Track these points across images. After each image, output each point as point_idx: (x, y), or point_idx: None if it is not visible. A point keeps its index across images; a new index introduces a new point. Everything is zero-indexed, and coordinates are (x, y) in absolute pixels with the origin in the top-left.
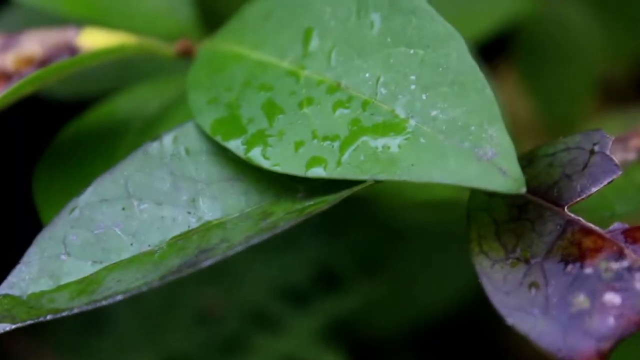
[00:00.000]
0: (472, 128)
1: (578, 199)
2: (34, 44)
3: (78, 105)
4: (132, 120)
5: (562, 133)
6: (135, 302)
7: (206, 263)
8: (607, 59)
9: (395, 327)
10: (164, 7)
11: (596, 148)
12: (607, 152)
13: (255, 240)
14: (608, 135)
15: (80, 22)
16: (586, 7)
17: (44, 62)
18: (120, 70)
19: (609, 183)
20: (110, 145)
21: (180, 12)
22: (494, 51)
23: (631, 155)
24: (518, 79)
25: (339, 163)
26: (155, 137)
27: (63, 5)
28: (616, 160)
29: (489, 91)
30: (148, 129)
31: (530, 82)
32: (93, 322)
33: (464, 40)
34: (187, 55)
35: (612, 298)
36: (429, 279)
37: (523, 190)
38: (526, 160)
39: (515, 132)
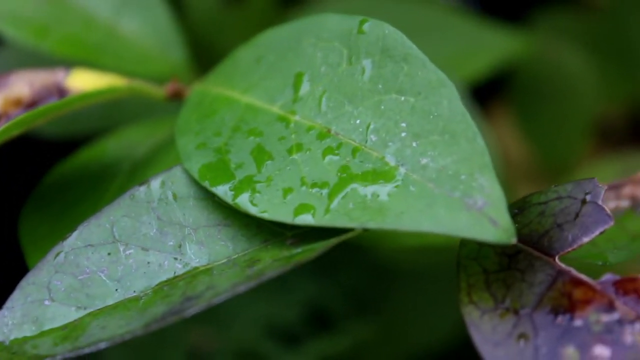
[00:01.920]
0: (463, 177)
1: (569, 249)
2: (22, 85)
3: (67, 145)
4: (121, 162)
5: (557, 175)
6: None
7: (191, 311)
8: (603, 101)
9: None
10: (155, 48)
11: (588, 197)
12: (599, 202)
13: (241, 288)
14: (600, 185)
15: (71, 63)
16: (581, 50)
17: (32, 103)
18: (111, 110)
19: (600, 233)
20: (98, 188)
21: (172, 53)
22: (488, 92)
23: (624, 203)
24: (513, 120)
25: (327, 210)
26: (143, 181)
27: (53, 46)
28: (608, 210)
29: (480, 140)
30: (137, 171)
31: (525, 124)
32: (82, 358)
33: (455, 88)
34: (177, 97)
35: (601, 351)
36: (420, 320)
37: (513, 240)
38: (517, 209)
39: (509, 173)
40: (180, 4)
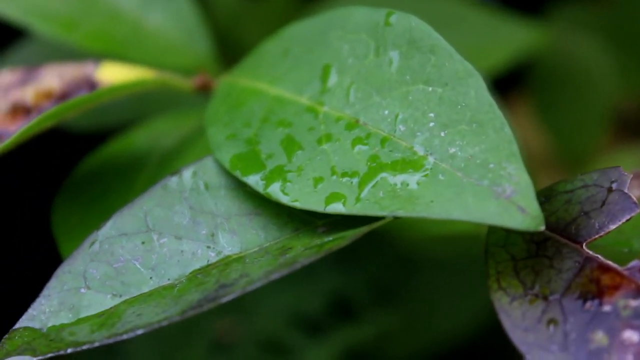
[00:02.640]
0: (491, 166)
1: (596, 236)
2: (53, 78)
3: (96, 136)
4: (150, 153)
5: (576, 165)
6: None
7: (226, 298)
8: (620, 92)
9: (411, 356)
10: (181, 41)
11: (614, 186)
12: (625, 190)
13: (275, 276)
14: (626, 173)
15: (98, 56)
16: (599, 42)
17: (63, 96)
18: (139, 103)
19: (627, 220)
20: (128, 178)
21: (198, 45)
22: (508, 84)
23: None
24: (532, 111)
25: (358, 199)
26: (175, 171)
27: (81, 39)
28: (634, 198)
29: (507, 129)
30: (166, 162)
31: (544, 115)
32: (109, 348)
33: (482, 78)
34: (205, 90)
35: (630, 335)
36: (443, 309)
37: (542, 228)
38: (544, 197)
39: (529, 163)
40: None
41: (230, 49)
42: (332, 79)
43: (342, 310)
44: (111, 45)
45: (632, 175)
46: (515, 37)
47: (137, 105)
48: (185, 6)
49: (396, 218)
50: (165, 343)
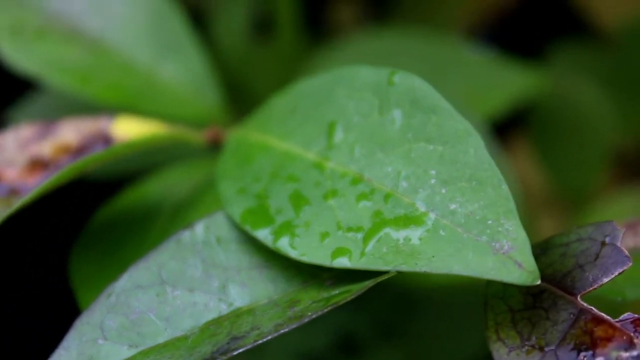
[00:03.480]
0: (490, 222)
1: (590, 289)
2: (70, 133)
3: (111, 185)
4: (163, 203)
5: (576, 205)
6: None
7: (238, 350)
8: (620, 133)
9: None
10: (192, 92)
11: (607, 239)
12: (618, 244)
13: (284, 329)
14: (619, 227)
15: (111, 108)
16: (598, 83)
17: (79, 150)
18: (151, 152)
19: (619, 274)
20: (142, 228)
21: (209, 96)
22: (508, 125)
23: None
24: (532, 152)
25: (362, 254)
26: (187, 225)
27: (95, 92)
28: (626, 252)
29: (504, 186)
30: (178, 213)
31: (544, 155)
32: None
33: (480, 137)
34: (216, 142)
35: None
36: (446, 345)
37: (538, 282)
38: (541, 249)
39: (529, 203)
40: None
41: (239, 93)
42: (338, 136)
43: (348, 348)
44: (124, 98)
45: (624, 230)
46: (514, 82)
47: (149, 155)
48: (197, 57)
49: (399, 272)
50: None
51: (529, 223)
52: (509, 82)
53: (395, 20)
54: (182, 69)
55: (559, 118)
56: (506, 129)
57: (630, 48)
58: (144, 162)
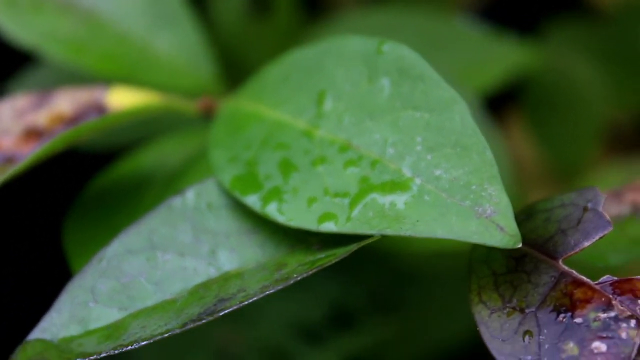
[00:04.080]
0: (473, 187)
1: (571, 253)
2: (64, 102)
3: (105, 156)
4: (156, 173)
5: (568, 179)
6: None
7: (224, 311)
8: (613, 106)
9: None
10: (186, 63)
11: (589, 205)
12: (600, 209)
13: (270, 291)
14: (601, 193)
15: (107, 79)
16: (591, 59)
17: (74, 120)
18: (145, 123)
19: (600, 238)
20: (136, 197)
21: (203, 68)
22: (503, 100)
23: (625, 209)
24: (526, 127)
25: (349, 219)
26: (179, 192)
27: (90, 62)
28: (608, 217)
29: (489, 153)
30: (171, 182)
31: (537, 130)
32: (115, 357)
33: (466, 104)
34: (209, 112)
35: (599, 346)
36: (441, 317)
37: (519, 245)
38: (525, 215)
39: (522, 177)
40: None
41: (235, 67)
42: (328, 104)
43: (342, 320)
44: (119, 68)
45: (606, 195)
46: (508, 57)
47: (143, 126)
48: (192, 29)
49: (384, 236)
50: (171, 353)
51: (521, 197)
52: (503, 57)
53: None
54: (176, 40)
55: (553, 93)
56: (501, 105)
57: (626, 24)
58: (138, 133)
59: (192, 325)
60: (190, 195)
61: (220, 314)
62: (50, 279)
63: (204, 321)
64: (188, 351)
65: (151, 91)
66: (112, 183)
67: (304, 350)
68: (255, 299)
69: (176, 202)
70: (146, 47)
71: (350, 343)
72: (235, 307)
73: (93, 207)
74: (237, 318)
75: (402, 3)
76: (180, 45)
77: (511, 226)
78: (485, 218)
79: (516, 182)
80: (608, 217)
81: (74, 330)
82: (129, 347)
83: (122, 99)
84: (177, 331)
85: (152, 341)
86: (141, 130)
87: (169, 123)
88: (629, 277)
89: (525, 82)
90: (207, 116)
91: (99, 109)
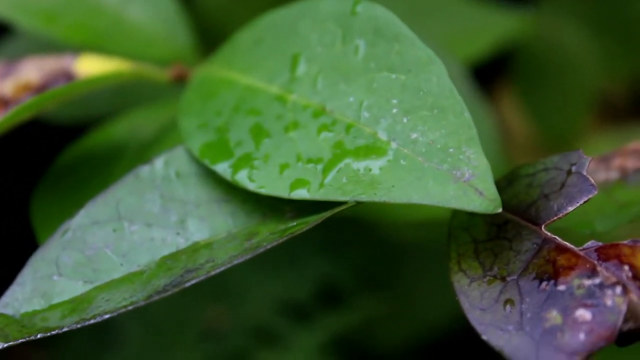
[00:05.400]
0: (451, 150)
1: (555, 218)
2: (31, 71)
3: (78, 129)
4: (128, 144)
5: (559, 150)
6: (144, 317)
7: (190, 282)
8: (605, 76)
9: (399, 342)
10: (161, 33)
11: (573, 168)
12: (584, 172)
13: (238, 260)
14: (585, 156)
15: (80, 49)
16: (582, 26)
17: (41, 88)
18: (119, 95)
19: (585, 202)
20: (106, 169)
21: (178, 37)
22: (493, 71)
23: (613, 175)
24: (516, 97)
25: (321, 185)
26: (147, 161)
27: (61, 31)
28: (592, 180)
29: (467, 114)
30: (143, 153)
31: (527, 100)
32: (103, 337)
33: (443, 65)
34: (181, 80)
35: (583, 314)
36: (431, 295)
37: (499, 210)
38: (507, 180)
39: (513, 149)
40: None
41: (218, 37)
42: (301, 68)
43: (330, 297)
44: (92, 38)
45: (590, 158)
46: (496, 25)
47: (117, 98)
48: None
49: (359, 203)
50: (157, 331)
51: (510, 166)
52: (492, 25)
53: None
54: (150, 8)
55: (544, 62)
56: (490, 74)
57: None
58: (112, 105)
59: (156, 297)
60: (158, 163)
61: (187, 284)
62: (19, 254)
63: (169, 293)
64: (176, 331)
65: (123, 60)
66: (83, 155)
67: (291, 328)
68: (222, 269)
69: (144, 171)
70: (119, 15)
71: (338, 320)
72: (202, 277)
73: (63, 179)
74: (223, 297)
75: None
76: (154, 13)
77: (490, 190)
78: (464, 182)
79: (504, 151)
80: (592, 181)
81: (37, 304)
82: (92, 321)
83: (90, 66)
84: (142, 303)
85: (115, 314)
86: (116, 102)
87: (145, 94)
88: (615, 242)
89: (515, 51)
90: (181, 85)
91: (67, 76)
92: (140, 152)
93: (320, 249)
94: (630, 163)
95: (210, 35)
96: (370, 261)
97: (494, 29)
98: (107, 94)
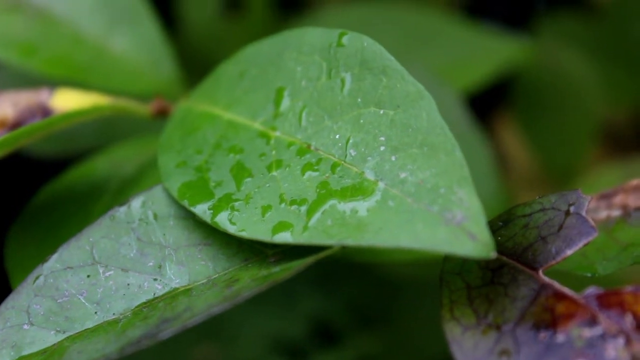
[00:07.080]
0: (442, 190)
1: (553, 262)
2: (6, 106)
3: (61, 163)
4: (109, 181)
5: (562, 181)
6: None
7: (165, 333)
8: (609, 105)
9: None
10: (145, 65)
11: (572, 209)
12: (583, 213)
13: (216, 310)
14: (584, 195)
15: (60, 83)
16: (586, 55)
17: (16, 124)
18: (104, 129)
19: (585, 245)
20: (86, 207)
21: (162, 70)
22: (494, 100)
23: (615, 213)
24: (517, 127)
25: (305, 228)
26: (124, 201)
27: (39, 66)
28: (592, 222)
29: (458, 152)
30: (124, 190)
31: (529, 129)
32: None
33: (433, 100)
34: (163, 115)
35: None
36: (426, 332)
37: (493, 255)
38: (502, 221)
39: (513, 181)
40: (175, 18)
41: (206, 69)
42: (285, 103)
43: (324, 335)
44: (72, 71)
45: (590, 198)
46: (496, 53)
47: (101, 131)
48: (151, 29)
49: (345, 247)
50: None
51: (511, 202)
52: (491, 52)
53: None
54: (134, 41)
55: (546, 91)
56: (490, 104)
57: (621, 19)
58: (96, 139)
59: (130, 350)
60: (135, 204)
61: (162, 336)
62: None
63: (142, 345)
64: None
65: (102, 94)
66: (62, 192)
67: None
68: (200, 318)
69: (120, 212)
70: (102, 48)
71: (332, 359)
72: (178, 328)
73: (40, 218)
74: (214, 334)
75: None
76: (138, 45)
77: (483, 233)
78: (455, 225)
79: (503, 184)
80: (592, 222)
81: (6, 356)
82: None
83: (68, 101)
84: (114, 356)
85: None
86: (100, 135)
87: (129, 128)
88: (617, 289)
89: (515, 79)
90: (164, 119)
91: (44, 112)
92: (121, 190)
93: (315, 284)
94: (632, 201)
95: (195, 65)
96: (365, 297)
97: (494, 57)
98: (90, 128)
